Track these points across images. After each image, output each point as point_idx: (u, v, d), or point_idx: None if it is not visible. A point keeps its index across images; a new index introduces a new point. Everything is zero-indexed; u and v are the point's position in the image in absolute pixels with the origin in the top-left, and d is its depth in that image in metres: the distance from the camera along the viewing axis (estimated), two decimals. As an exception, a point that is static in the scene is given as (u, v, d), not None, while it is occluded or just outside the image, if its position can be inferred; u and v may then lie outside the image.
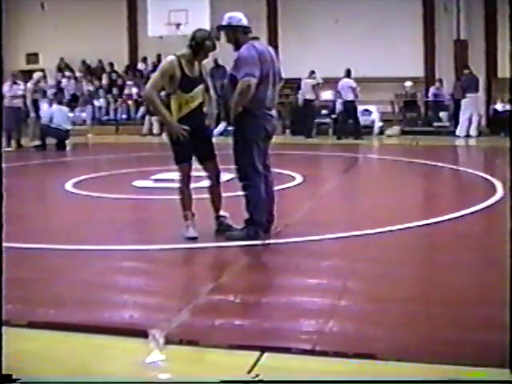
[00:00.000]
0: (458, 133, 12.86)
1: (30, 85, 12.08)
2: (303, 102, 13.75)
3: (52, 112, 11.24)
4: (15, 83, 11.48)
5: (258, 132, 4.12)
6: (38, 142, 11.30)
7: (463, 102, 12.80)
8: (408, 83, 14.27)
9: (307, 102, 13.62)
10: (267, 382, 2.15)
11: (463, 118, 12.84)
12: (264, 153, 4.24)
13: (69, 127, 11.40)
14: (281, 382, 2.17)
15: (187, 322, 2.72)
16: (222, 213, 4.32)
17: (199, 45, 4.09)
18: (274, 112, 4.27)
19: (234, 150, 4.16)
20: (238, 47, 4.11)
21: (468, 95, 12.73)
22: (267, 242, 4.12)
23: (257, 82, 3.98)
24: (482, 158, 10.75)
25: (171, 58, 4.11)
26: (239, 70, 3.99)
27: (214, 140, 4.38)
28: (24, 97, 11.59)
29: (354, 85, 12.65)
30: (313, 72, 13.51)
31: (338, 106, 13.47)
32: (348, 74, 12.80)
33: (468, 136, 12.78)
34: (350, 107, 12.82)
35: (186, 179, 4.24)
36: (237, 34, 4.12)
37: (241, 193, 4.22)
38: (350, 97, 12.70)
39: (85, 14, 16.20)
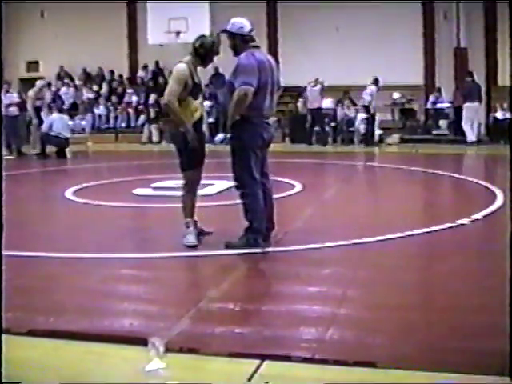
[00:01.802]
0: (468, 140, 12.84)
1: (31, 92, 12.12)
2: (310, 111, 13.52)
3: (52, 120, 11.27)
4: (8, 92, 11.52)
5: (256, 140, 4.13)
6: (38, 150, 11.33)
7: (465, 109, 12.82)
8: (396, 94, 14.27)
9: (315, 110, 13.42)
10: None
11: (467, 125, 12.83)
12: (262, 160, 4.25)
13: (68, 135, 11.43)
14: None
15: (187, 330, 2.72)
16: (195, 218, 4.38)
17: (208, 51, 4.14)
18: (271, 120, 4.29)
19: (232, 158, 4.18)
20: (236, 54, 4.13)
21: (468, 103, 12.75)
22: (267, 249, 4.13)
23: (255, 91, 3.99)
24: (482, 165, 10.76)
25: (183, 66, 4.14)
26: (237, 78, 4.01)
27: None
28: (19, 105, 11.64)
29: (367, 94, 12.73)
30: (317, 80, 13.53)
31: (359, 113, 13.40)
32: (375, 82, 12.78)
33: (465, 142, 12.81)
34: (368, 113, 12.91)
35: (192, 186, 4.27)
36: (235, 41, 4.14)
37: (239, 201, 4.23)
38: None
39: (85, 22, 16.27)
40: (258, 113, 4.10)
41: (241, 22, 4.16)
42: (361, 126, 13.93)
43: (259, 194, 4.14)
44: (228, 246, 4.13)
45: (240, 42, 4.12)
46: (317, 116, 13.51)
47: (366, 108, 12.93)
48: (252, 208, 4.13)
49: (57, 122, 11.19)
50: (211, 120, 12.81)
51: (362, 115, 13.72)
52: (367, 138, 13.05)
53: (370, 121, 13.05)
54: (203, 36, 4.22)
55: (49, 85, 13.27)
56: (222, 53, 4.29)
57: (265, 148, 4.26)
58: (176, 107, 4.07)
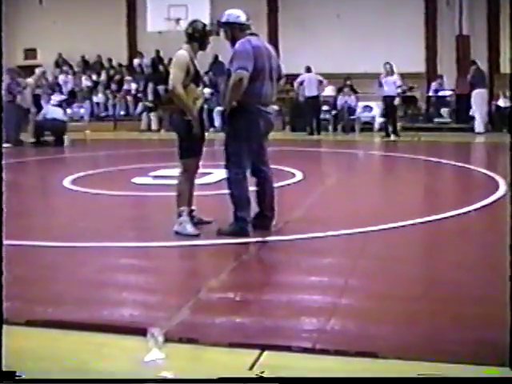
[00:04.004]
0: (477, 130, 12.74)
1: (31, 80, 12.06)
2: (306, 99, 13.33)
3: (47, 110, 11.29)
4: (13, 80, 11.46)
5: (251, 128, 4.09)
6: (33, 139, 11.31)
7: (473, 97, 12.73)
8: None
9: (311, 98, 13.26)
10: (267, 380, 2.13)
11: (478, 113, 12.74)
12: (261, 149, 4.21)
13: (65, 119, 11.43)
14: (281, 380, 2.15)
15: (187, 320, 2.70)
16: (193, 207, 4.41)
17: (202, 34, 4.16)
18: (270, 108, 4.24)
19: (225, 145, 4.16)
20: (234, 44, 4.11)
21: (477, 90, 12.66)
22: (268, 238, 4.10)
23: (251, 77, 3.96)
24: (484, 154, 10.72)
25: (183, 52, 4.14)
26: (232, 64, 4.00)
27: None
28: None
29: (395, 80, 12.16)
30: (309, 68, 13.36)
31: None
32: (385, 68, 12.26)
33: (472, 131, 12.75)
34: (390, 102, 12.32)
35: (189, 174, 4.26)
36: (233, 31, 4.13)
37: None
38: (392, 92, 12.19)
39: (83, 9, 16.17)
40: (256, 100, 4.06)
41: (235, 13, 4.17)
42: (362, 115, 13.87)
43: (244, 183, 4.12)
44: (218, 232, 4.14)
45: (238, 31, 4.11)
46: (314, 104, 13.38)
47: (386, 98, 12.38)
48: (236, 196, 4.12)
49: (51, 111, 11.21)
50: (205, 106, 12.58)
51: (362, 103, 13.65)
52: (387, 129, 12.54)
53: (389, 111, 12.42)
54: (193, 21, 4.28)
55: (43, 73, 13.15)
56: (223, 41, 4.26)
57: (263, 136, 4.22)
58: (182, 93, 4.06)
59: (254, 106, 4.07)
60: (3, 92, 10.77)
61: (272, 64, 4.15)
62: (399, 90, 12.37)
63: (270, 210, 4.26)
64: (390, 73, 12.17)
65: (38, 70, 12.54)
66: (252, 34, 4.15)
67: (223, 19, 4.17)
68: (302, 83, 13.43)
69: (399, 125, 13.69)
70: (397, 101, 12.31)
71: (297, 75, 13.37)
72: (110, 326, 2.62)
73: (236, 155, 4.09)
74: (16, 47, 16.65)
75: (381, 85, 12.29)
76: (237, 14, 4.15)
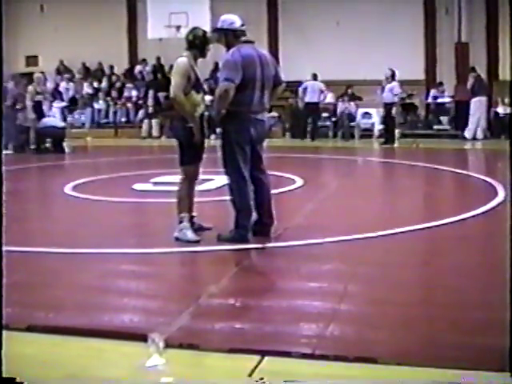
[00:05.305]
0: (466, 135, 12.80)
1: (31, 87, 12.11)
2: (306, 105, 13.37)
3: (45, 121, 11.40)
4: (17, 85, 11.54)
5: (242, 135, 4.09)
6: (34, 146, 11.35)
7: (472, 104, 12.77)
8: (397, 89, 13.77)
9: (312, 104, 13.32)
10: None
11: (472, 120, 12.79)
12: (257, 156, 4.21)
13: (63, 125, 11.49)
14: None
15: (187, 326, 2.71)
16: (194, 213, 4.42)
17: (203, 40, 4.17)
18: (262, 115, 4.21)
19: (222, 154, 4.18)
20: (229, 50, 4.11)
21: (478, 98, 12.69)
22: (267, 245, 4.11)
23: (240, 86, 3.96)
24: (483, 160, 10.74)
25: (184, 59, 4.15)
26: (221, 74, 4.03)
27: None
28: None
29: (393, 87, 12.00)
30: (315, 75, 13.44)
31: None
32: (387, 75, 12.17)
33: (474, 139, 12.76)
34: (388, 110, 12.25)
35: (190, 181, 4.28)
36: (227, 37, 4.12)
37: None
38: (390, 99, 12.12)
39: (84, 16, 16.23)
40: (245, 108, 4.06)
41: (230, 18, 4.15)
42: (362, 121, 13.90)
43: (246, 190, 4.12)
44: (218, 238, 4.16)
45: (232, 37, 4.10)
46: (314, 110, 13.41)
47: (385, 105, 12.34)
48: (238, 204, 4.13)
49: (48, 120, 11.32)
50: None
51: (362, 110, 13.68)
52: (387, 136, 12.43)
53: (388, 118, 12.34)
54: (193, 28, 4.29)
55: (45, 79, 13.16)
56: (223, 48, 4.27)
57: (258, 144, 4.22)
58: (184, 100, 4.08)
59: (243, 113, 4.07)
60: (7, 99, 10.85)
61: (266, 72, 4.12)
62: (396, 99, 12.38)
63: (269, 216, 4.27)
64: (391, 79, 12.18)
65: (35, 77, 12.56)
66: (247, 41, 4.14)
67: (218, 25, 4.17)
68: (305, 89, 13.46)
69: (398, 131, 13.71)
70: (394, 109, 12.26)
71: (296, 82, 13.42)
72: (111, 332, 2.63)
73: (232, 161, 4.10)
74: (17, 54, 16.71)
75: (383, 91, 12.31)
76: (231, 20, 4.13)
